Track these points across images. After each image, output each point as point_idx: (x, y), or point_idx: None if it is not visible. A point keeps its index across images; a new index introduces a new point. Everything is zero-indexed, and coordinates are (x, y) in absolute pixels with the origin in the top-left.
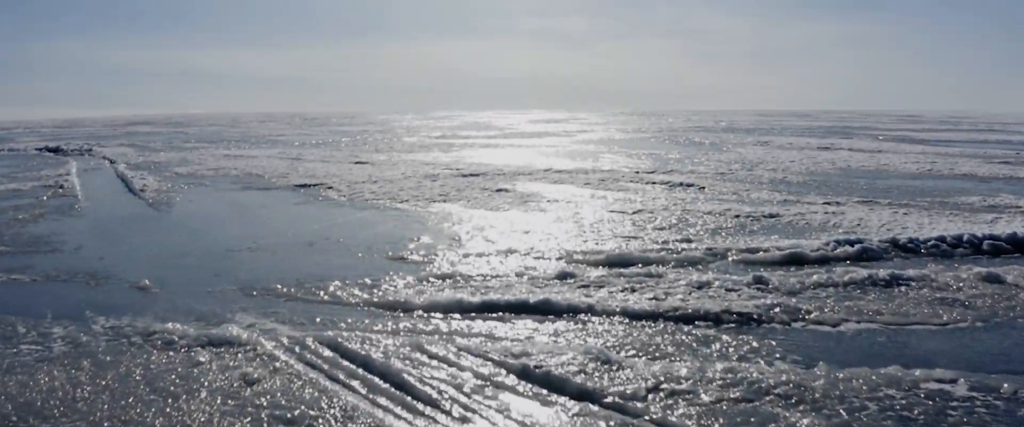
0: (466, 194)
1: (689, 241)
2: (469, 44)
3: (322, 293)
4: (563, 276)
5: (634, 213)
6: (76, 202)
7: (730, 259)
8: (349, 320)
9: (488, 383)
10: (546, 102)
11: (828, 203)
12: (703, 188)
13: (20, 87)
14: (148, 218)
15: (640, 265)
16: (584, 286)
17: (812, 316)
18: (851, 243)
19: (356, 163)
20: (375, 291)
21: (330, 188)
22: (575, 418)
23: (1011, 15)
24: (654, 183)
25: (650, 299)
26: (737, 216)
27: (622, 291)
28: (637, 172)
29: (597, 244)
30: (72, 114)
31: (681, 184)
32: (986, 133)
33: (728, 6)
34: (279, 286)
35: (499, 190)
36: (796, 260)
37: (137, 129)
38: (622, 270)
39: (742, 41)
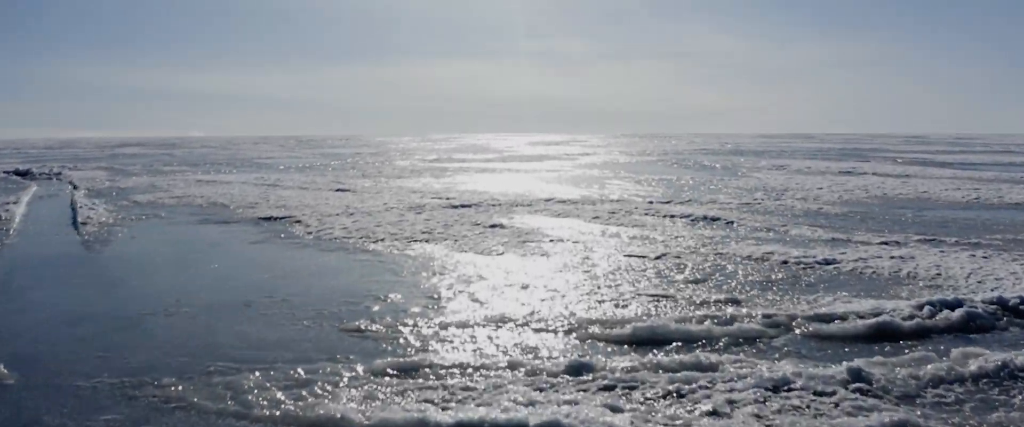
0: (454, 231)
1: (736, 302)
2: (469, 66)
3: (229, 399)
4: (577, 370)
5: (657, 258)
6: (4, 238)
7: (798, 332)
8: None
9: None
10: (545, 124)
11: (886, 243)
12: (731, 223)
13: (22, 106)
14: (70, 262)
15: (680, 344)
16: (607, 387)
17: None
18: (950, 306)
19: (337, 190)
20: (306, 397)
21: (298, 222)
22: None
23: (1006, 38)
24: (673, 216)
25: (709, 416)
26: (784, 262)
27: (665, 398)
28: (651, 202)
29: (618, 307)
30: (77, 135)
31: (704, 218)
32: (1004, 155)
33: (724, 28)
34: (172, 383)
35: (493, 226)
36: (887, 334)
37: (126, 151)
38: (657, 353)
39: (738, 62)
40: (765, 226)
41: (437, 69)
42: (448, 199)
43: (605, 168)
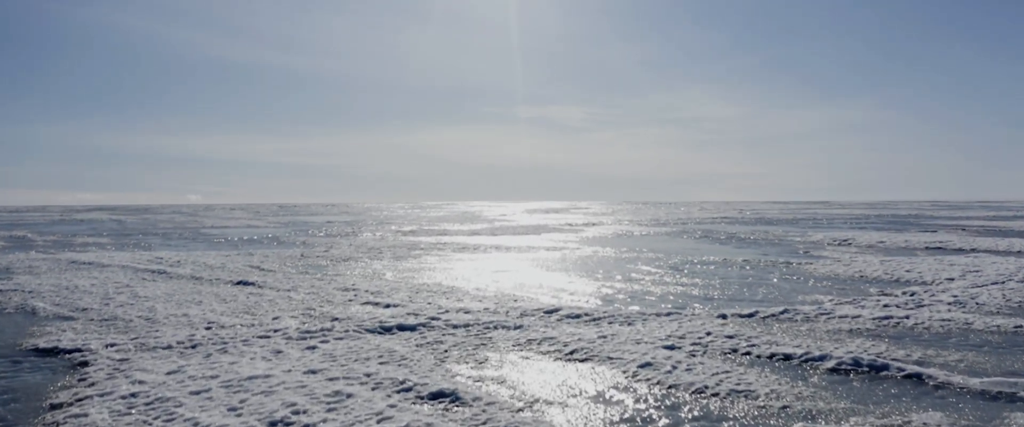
0: (339, 419)
1: None
2: (468, 132)
3: None
4: None
5: None
6: None
7: None
8: None
9: None
10: (544, 191)
11: None
12: (920, 378)
13: (26, 168)
14: None
15: None
16: None
17: None
18: None
19: (238, 283)
20: None
21: (83, 365)
22: None
23: (1000, 100)
24: (790, 359)
25: None
26: None
27: None
28: (723, 317)
29: None
30: (78, 197)
31: (845, 365)
32: None
33: (722, 95)
34: None
35: (434, 397)
36: None
37: (85, 216)
38: None
39: (737, 129)
40: (962, 370)
41: (435, 135)
42: (388, 307)
43: (620, 244)
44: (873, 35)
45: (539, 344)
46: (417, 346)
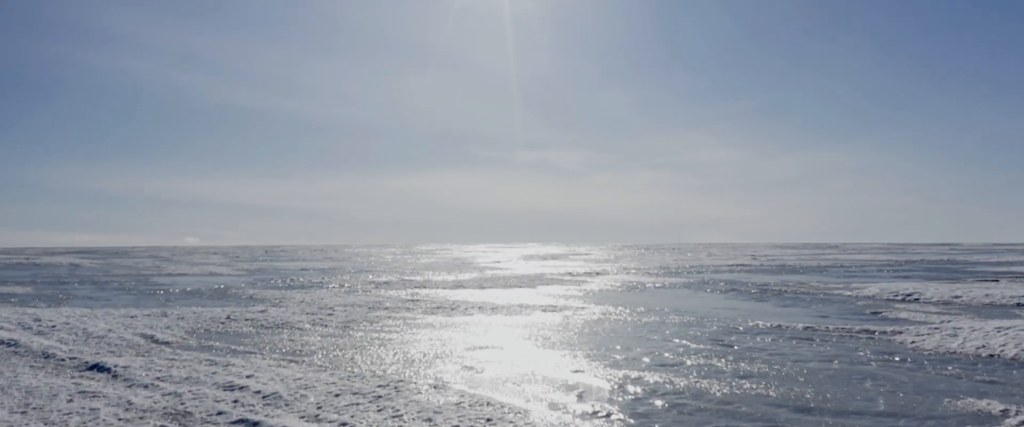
0: None
1: None
2: (467, 177)
3: None
4: None
5: None
6: None
7: None
8: None
9: None
10: (542, 233)
11: None
12: None
13: (29, 209)
14: None
15: None
16: None
17: None
18: None
19: (88, 368)
20: None
21: None
22: None
23: (996, 144)
24: None
25: None
26: None
27: None
28: None
29: None
30: (72, 238)
31: None
32: None
33: (719, 139)
34: None
35: None
36: None
37: (55, 259)
38: None
39: (734, 172)
40: None
41: (434, 179)
42: None
43: (634, 302)
44: (869, 80)
45: None
46: None
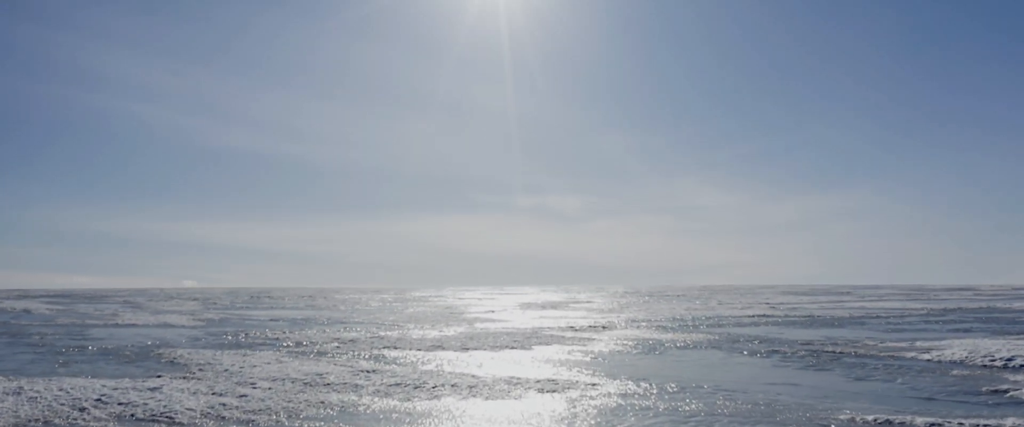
0: None
1: None
2: (467, 221)
3: None
4: None
5: None
6: None
7: None
8: None
9: None
10: (540, 278)
11: None
12: None
13: (20, 251)
14: None
15: None
16: None
17: None
18: None
19: None
20: None
21: None
22: None
23: (995, 194)
24: None
25: None
26: None
27: None
28: None
29: None
30: (66, 282)
31: None
32: None
33: (717, 183)
34: None
35: None
36: None
37: (21, 304)
38: None
39: (733, 216)
40: None
41: (434, 223)
42: None
43: (658, 374)
44: (866, 124)
45: None
46: None
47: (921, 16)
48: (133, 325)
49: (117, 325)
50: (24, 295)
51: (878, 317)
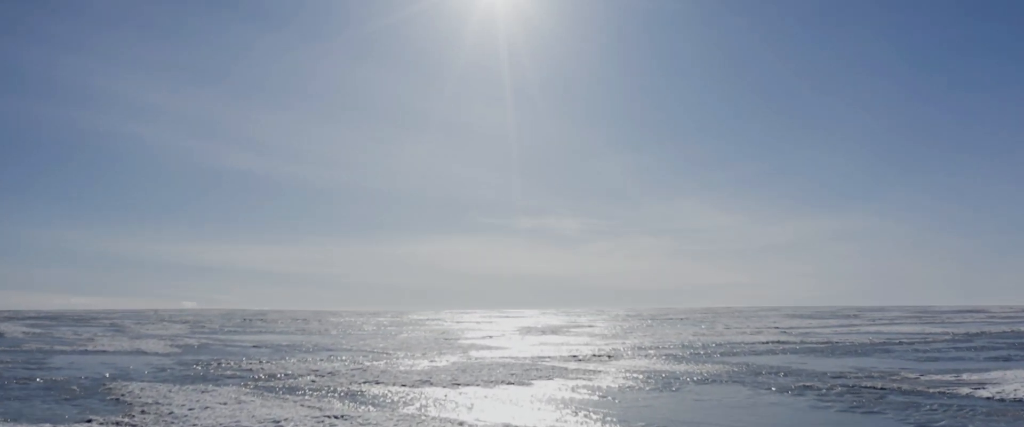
0: None
1: None
2: (467, 243)
3: None
4: None
5: None
6: None
7: None
8: None
9: None
10: (541, 300)
11: None
12: None
13: (20, 271)
14: None
15: None
16: None
17: None
18: None
19: None
20: None
21: None
22: None
23: (997, 214)
24: None
25: None
26: None
27: None
28: None
29: None
30: (64, 302)
31: None
32: None
33: (716, 205)
34: None
35: None
36: None
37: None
38: None
39: (732, 238)
40: None
41: (434, 245)
42: None
43: (679, 416)
44: (865, 146)
45: None
46: None
47: (917, 39)
48: (103, 352)
49: (85, 352)
50: (12, 316)
51: (901, 343)
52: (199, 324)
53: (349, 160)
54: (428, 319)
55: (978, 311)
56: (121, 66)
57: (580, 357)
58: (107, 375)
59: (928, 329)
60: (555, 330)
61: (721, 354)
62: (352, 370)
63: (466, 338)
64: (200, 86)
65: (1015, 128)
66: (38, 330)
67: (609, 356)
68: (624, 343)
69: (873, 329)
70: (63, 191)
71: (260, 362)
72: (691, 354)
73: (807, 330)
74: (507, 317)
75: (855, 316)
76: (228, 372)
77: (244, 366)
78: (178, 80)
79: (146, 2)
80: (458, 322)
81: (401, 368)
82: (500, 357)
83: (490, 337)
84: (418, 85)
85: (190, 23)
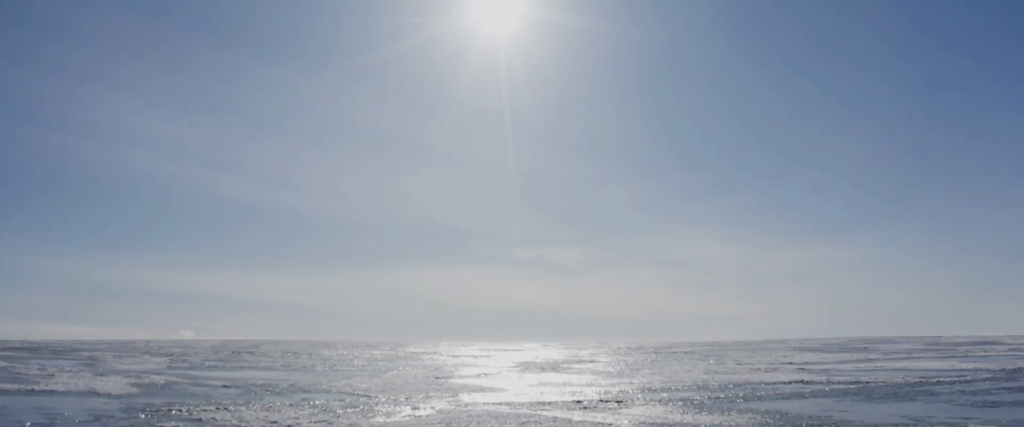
0: None
1: None
2: (466, 273)
3: None
4: None
5: None
6: None
7: None
8: None
9: None
10: (542, 331)
11: None
12: None
13: (17, 300)
14: None
15: None
16: None
17: None
18: None
19: None
20: None
21: None
22: None
23: (1001, 242)
24: None
25: None
26: None
27: None
28: None
29: None
30: (62, 332)
31: None
32: None
33: (716, 236)
34: None
35: None
36: None
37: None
38: None
39: (732, 269)
40: None
41: (433, 276)
42: None
43: None
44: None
45: None
46: None
47: (922, 63)
48: (49, 392)
49: (30, 392)
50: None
51: (940, 382)
52: (182, 357)
53: (350, 190)
54: (424, 352)
55: (993, 342)
56: (120, 95)
57: (586, 403)
58: (28, 425)
59: (959, 365)
60: (556, 366)
61: (743, 398)
62: (315, 424)
63: (459, 376)
64: (190, 113)
65: (1016, 156)
66: (3, 363)
67: (618, 401)
68: (632, 383)
69: (898, 365)
70: (53, 220)
71: (217, 408)
72: (710, 399)
73: (825, 366)
74: (506, 350)
75: (866, 349)
76: (171, 423)
77: (195, 415)
78: (179, 109)
79: (144, 32)
80: (454, 356)
81: (376, 419)
82: (494, 403)
83: (485, 375)
84: (418, 115)
85: (189, 53)
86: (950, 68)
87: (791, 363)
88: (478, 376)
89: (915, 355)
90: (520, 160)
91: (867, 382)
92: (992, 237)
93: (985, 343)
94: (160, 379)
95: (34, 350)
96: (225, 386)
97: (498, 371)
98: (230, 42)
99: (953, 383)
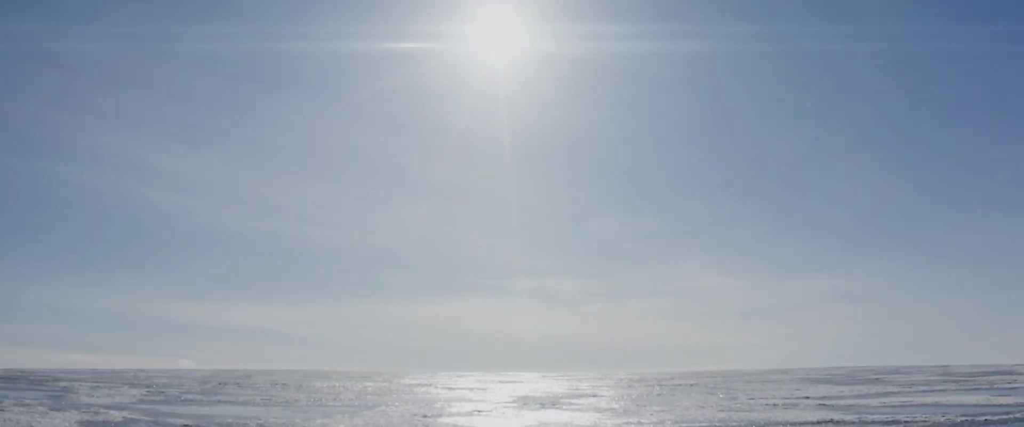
0: None
1: None
2: (466, 304)
3: None
4: None
5: None
6: None
7: None
8: None
9: None
10: (541, 362)
11: None
12: None
13: (15, 327)
14: None
15: None
16: None
17: None
18: None
19: None
20: None
21: None
22: None
23: (1006, 271)
24: None
25: None
26: None
27: None
28: None
29: None
30: (61, 360)
31: None
32: None
33: (718, 266)
34: None
35: None
36: None
37: None
38: None
39: (733, 299)
40: None
41: (432, 306)
42: None
43: None
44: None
45: None
46: None
47: (922, 94)
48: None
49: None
50: None
51: (988, 421)
52: (163, 389)
53: (349, 221)
54: (419, 384)
55: (1006, 372)
56: (121, 125)
57: None
58: None
59: (994, 399)
60: (556, 402)
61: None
62: None
63: (451, 413)
64: (195, 145)
65: (1016, 184)
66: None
67: None
68: (641, 423)
69: (927, 400)
70: (56, 248)
71: None
72: None
73: (846, 401)
74: (504, 382)
75: (878, 380)
76: None
77: None
78: (172, 138)
79: (146, 63)
80: (450, 388)
81: None
82: None
83: (479, 412)
84: (418, 148)
85: (190, 84)
86: (952, 98)
87: (806, 397)
88: (471, 414)
89: (936, 387)
90: (520, 191)
91: (906, 421)
92: (995, 267)
93: (997, 373)
94: (118, 416)
95: (11, 380)
96: (185, 425)
97: (493, 407)
98: (234, 76)
99: (1003, 422)
